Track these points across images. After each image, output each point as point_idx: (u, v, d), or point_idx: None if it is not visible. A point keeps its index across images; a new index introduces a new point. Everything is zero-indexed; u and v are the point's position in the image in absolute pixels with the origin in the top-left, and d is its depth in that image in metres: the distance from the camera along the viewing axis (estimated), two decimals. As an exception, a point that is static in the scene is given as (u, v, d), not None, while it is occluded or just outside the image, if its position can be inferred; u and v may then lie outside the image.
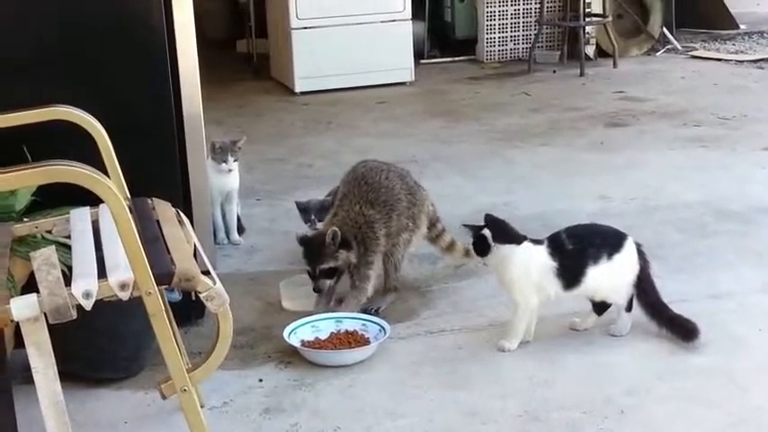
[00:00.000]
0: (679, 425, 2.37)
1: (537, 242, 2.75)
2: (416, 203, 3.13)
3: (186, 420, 1.98)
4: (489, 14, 7.47)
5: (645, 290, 2.75)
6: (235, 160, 3.67)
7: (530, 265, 2.70)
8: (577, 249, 2.71)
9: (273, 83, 7.00)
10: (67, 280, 1.88)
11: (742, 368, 2.62)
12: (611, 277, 2.72)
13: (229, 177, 3.67)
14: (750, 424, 2.35)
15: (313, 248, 2.95)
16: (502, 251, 2.72)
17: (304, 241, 2.99)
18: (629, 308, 2.78)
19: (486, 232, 2.73)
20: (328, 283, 2.97)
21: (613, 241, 2.74)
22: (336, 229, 2.92)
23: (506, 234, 2.75)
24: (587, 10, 7.19)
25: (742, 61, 7.28)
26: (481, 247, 2.74)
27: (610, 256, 2.71)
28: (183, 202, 2.83)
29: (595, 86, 6.55)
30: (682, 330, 2.72)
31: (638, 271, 2.74)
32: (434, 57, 7.63)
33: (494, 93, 6.48)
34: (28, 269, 2.16)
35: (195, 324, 2.91)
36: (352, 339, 2.79)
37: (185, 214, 2.41)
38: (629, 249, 2.74)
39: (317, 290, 2.97)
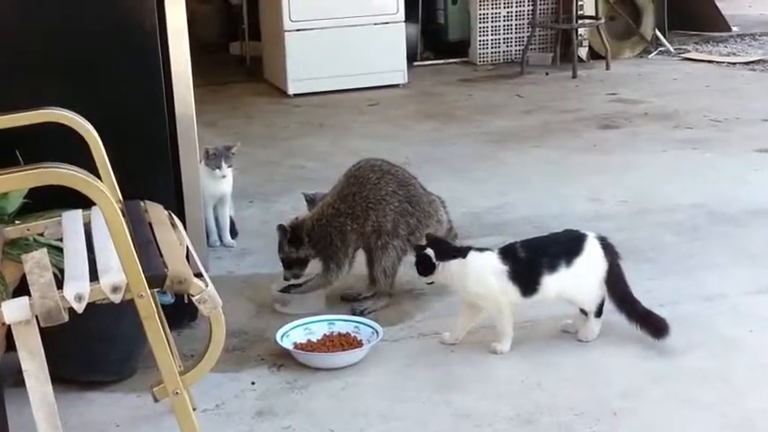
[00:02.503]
0: (672, 427, 2.37)
1: (484, 250, 2.77)
2: (416, 214, 3.07)
3: (178, 423, 1.97)
4: (482, 17, 7.47)
5: (613, 283, 2.72)
6: (229, 166, 3.65)
7: (484, 270, 2.71)
8: (530, 257, 2.71)
9: (266, 85, 6.99)
10: (59, 283, 1.88)
11: (735, 370, 2.62)
12: (574, 282, 2.71)
13: (223, 183, 3.66)
14: (744, 426, 2.36)
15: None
16: (449, 267, 2.73)
17: None
18: (598, 313, 2.76)
19: (429, 251, 2.75)
20: (291, 272, 3.12)
21: (571, 246, 2.72)
22: (284, 224, 3.09)
23: (450, 250, 2.77)
24: (580, 12, 7.20)
25: (734, 63, 7.30)
26: (425, 267, 2.76)
27: (569, 261, 2.69)
28: (176, 204, 2.82)
29: (588, 88, 6.56)
30: (652, 327, 2.70)
31: (606, 266, 2.72)
32: (427, 59, 7.63)
33: (487, 95, 6.48)
34: (20, 272, 2.15)
35: (188, 327, 2.91)
36: (344, 342, 2.79)
37: (178, 217, 2.40)
38: (589, 250, 2.72)
39: (284, 277, 3.13)
